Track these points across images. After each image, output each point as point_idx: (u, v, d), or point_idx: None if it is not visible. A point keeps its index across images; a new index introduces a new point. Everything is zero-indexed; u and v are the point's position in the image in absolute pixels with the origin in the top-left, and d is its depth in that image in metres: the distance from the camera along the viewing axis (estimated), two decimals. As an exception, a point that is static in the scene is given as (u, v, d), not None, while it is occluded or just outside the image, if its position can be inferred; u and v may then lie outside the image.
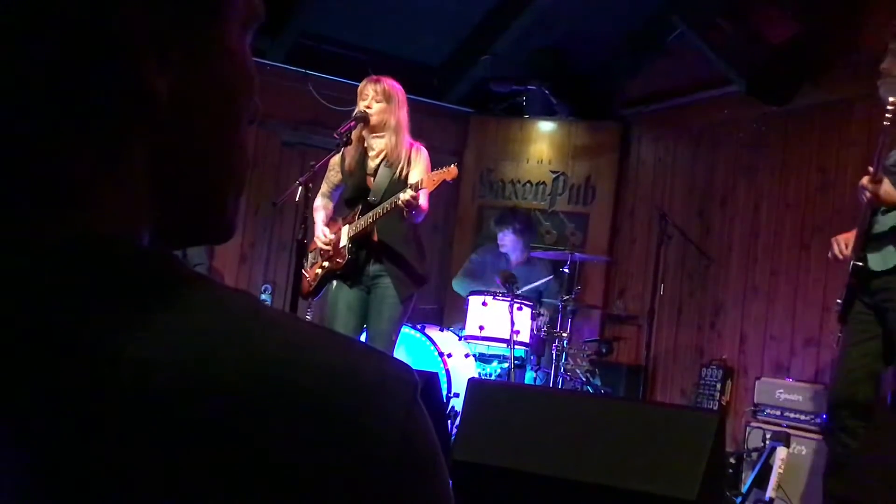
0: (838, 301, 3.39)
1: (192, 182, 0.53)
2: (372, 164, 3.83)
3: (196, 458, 0.42)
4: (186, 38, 0.50)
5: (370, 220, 3.72)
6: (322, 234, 3.87)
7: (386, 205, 3.65)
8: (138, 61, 0.48)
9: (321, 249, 3.91)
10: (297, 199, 3.70)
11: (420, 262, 3.88)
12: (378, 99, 3.74)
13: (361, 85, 3.81)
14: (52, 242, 0.46)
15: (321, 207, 3.99)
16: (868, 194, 3.14)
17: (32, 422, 0.42)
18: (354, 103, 3.83)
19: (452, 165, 3.68)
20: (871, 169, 3.20)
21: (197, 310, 0.46)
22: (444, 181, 3.66)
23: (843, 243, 3.38)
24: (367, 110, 3.72)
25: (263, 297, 6.00)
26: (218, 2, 0.52)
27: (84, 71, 0.46)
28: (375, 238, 3.80)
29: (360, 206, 3.82)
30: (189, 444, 0.42)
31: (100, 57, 0.47)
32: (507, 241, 5.59)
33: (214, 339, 0.45)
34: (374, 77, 3.80)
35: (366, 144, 3.83)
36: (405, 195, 3.54)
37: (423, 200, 3.64)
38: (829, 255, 3.44)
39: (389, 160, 3.78)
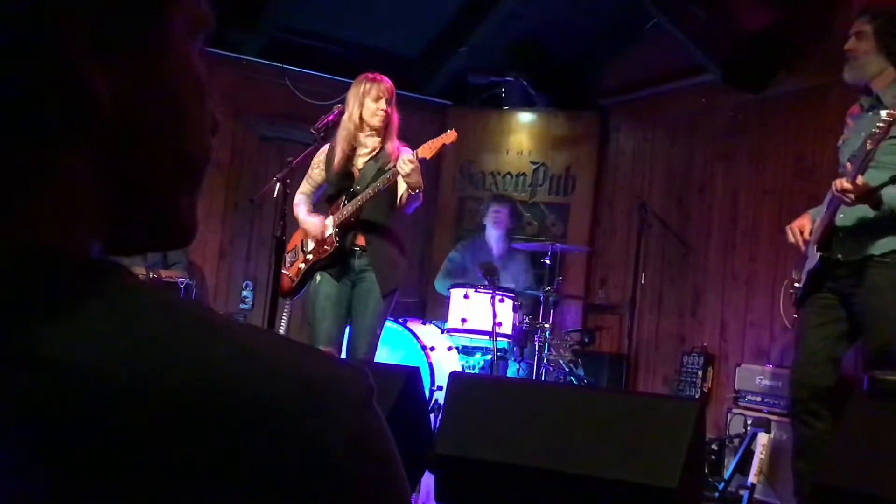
0: (796, 285, 3.40)
1: (140, 189, 0.51)
2: (361, 161, 3.80)
3: (138, 466, 0.41)
4: (127, 38, 0.48)
5: (359, 203, 3.69)
6: (316, 222, 3.80)
7: (385, 177, 3.60)
8: (75, 60, 0.46)
9: (314, 236, 3.83)
10: (275, 196, 3.67)
11: (401, 252, 3.88)
12: (390, 101, 3.71)
13: (367, 85, 3.70)
14: None
15: (302, 203, 3.92)
16: (852, 197, 3.02)
17: None
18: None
19: (450, 130, 3.66)
20: (848, 167, 3.11)
21: (141, 317, 0.44)
22: (444, 146, 3.63)
23: (799, 230, 3.40)
24: (385, 114, 3.68)
25: (245, 293, 5.97)
26: (160, 1, 0.50)
27: (16, 71, 0.44)
28: (361, 220, 3.76)
29: (344, 197, 3.79)
30: (130, 452, 0.41)
31: (33, 56, 0.45)
32: (502, 216, 5.62)
33: (158, 346, 0.43)
34: (376, 76, 3.73)
35: (356, 143, 3.78)
36: (404, 160, 3.49)
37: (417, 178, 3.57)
38: (790, 241, 3.45)
39: (378, 157, 3.76)
